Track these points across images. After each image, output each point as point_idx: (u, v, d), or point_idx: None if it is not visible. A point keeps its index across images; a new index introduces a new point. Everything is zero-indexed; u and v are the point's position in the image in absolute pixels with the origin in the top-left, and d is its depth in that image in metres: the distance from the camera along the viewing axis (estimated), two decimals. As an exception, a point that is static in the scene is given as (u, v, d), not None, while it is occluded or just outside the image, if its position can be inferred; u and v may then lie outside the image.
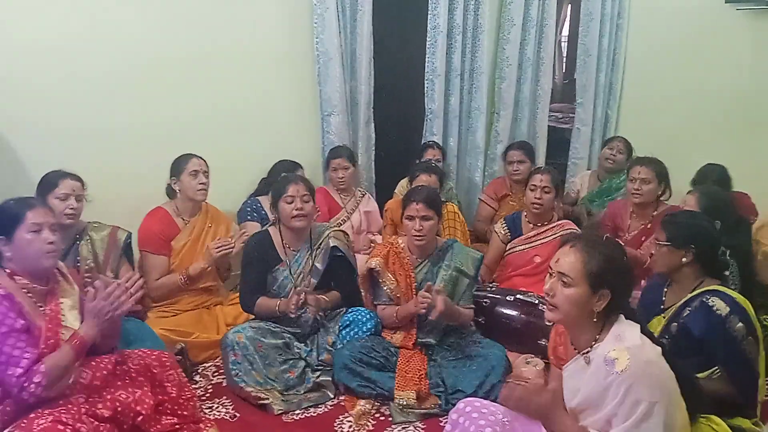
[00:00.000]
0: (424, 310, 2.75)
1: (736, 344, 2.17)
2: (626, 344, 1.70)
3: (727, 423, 2.02)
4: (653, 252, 2.50)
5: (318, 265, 2.97)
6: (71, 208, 2.75)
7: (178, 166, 3.16)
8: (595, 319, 1.80)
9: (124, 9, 3.32)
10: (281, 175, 3.18)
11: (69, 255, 2.81)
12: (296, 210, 2.86)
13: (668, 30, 4.91)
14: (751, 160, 4.17)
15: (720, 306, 2.18)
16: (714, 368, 2.23)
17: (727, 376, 2.18)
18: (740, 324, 2.16)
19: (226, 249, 3.09)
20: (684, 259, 2.33)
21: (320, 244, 3.00)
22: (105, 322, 2.11)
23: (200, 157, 3.19)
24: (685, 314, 2.27)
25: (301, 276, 2.94)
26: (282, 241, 2.98)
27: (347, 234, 3.22)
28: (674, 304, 2.35)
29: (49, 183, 2.76)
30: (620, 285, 1.79)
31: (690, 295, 2.30)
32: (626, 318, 1.82)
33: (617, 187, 4.38)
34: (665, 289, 2.46)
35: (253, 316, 3.02)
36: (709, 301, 2.20)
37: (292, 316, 2.80)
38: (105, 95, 3.33)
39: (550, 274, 1.88)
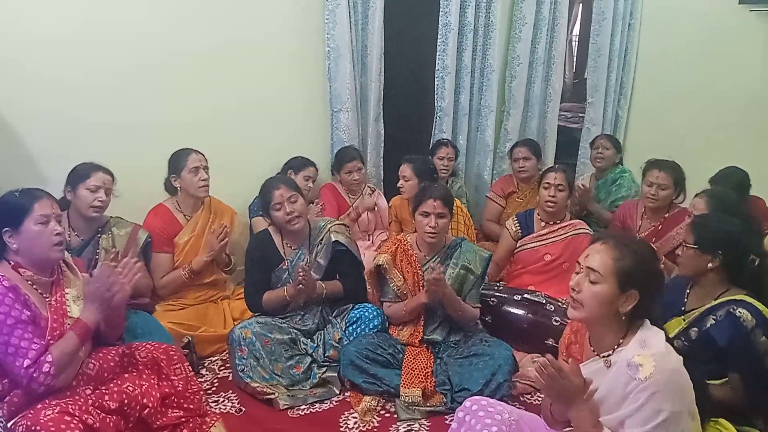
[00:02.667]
0: (431, 299, 2.76)
1: (758, 357, 2.14)
2: (651, 351, 1.67)
3: (736, 428, 1.99)
4: (679, 253, 2.45)
5: (320, 260, 2.98)
6: (100, 201, 2.77)
7: (177, 163, 3.14)
8: (619, 321, 1.76)
9: (137, 6, 3.33)
10: (263, 184, 3.04)
11: (89, 247, 2.82)
12: (287, 214, 2.86)
13: (681, 30, 4.89)
14: (762, 161, 4.13)
15: (747, 318, 2.13)
16: (726, 377, 2.20)
17: (742, 386, 2.15)
18: (764, 338, 2.13)
19: (225, 237, 3.09)
20: (710, 264, 2.27)
21: (321, 239, 3.00)
22: (105, 306, 2.12)
23: (198, 152, 3.17)
24: (709, 323, 2.22)
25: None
26: (282, 240, 2.99)
27: (348, 226, 3.22)
28: (696, 308, 2.30)
29: (81, 173, 2.78)
30: (649, 287, 1.75)
31: (714, 303, 2.25)
32: (652, 324, 1.78)
33: (613, 179, 4.39)
34: (688, 291, 2.41)
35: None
36: (737, 311, 2.15)
37: (303, 295, 2.78)
38: (117, 91, 3.33)
39: (578, 271, 1.83)
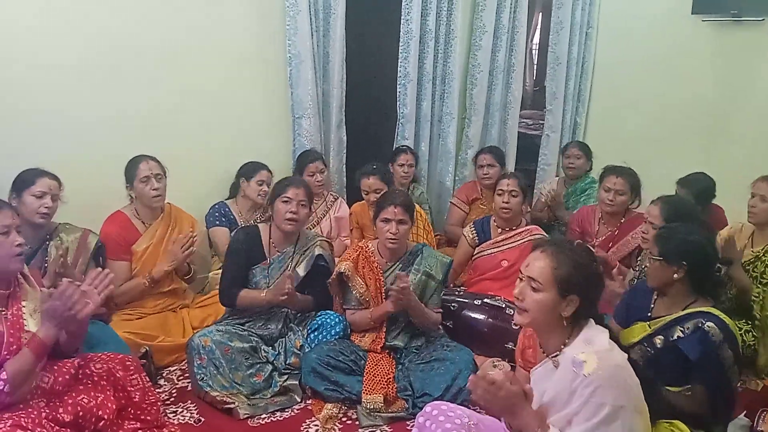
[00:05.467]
0: (396, 307, 2.77)
1: (723, 370, 2.17)
2: (595, 348, 1.71)
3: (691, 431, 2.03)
4: (647, 265, 2.47)
5: (300, 271, 2.97)
6: (46, 207, 2.71)
7: (129, 172, 3.07)
8: (562, 323, 1.80)
9: (96, 3, 3.25)
10: (284, 177, 3.10)
11: (38, 255, 2.76)
12: (290, 213, 2.87)
13: (636, 39, 5.03)
14: (716, 168, 4.24)
15: (715, 333, 2.15)
16: (687, 386, 2.23)
17: (708, 398, 2.17)
18: (730, 352, 2.16)
19: (189, 246, 3.06)
20: (675, 275, 2.28)
21: (306, 250, 3.00)
22: (63, 323, 2.07)
23: (152, 159, 3.09)
24: (676, 334, 2.24)
25: (279, 278, 2.92)
26: (270, 239, 2.97)
27: (332, 245, 3.22)
28: (662, 316, 2.32)
29: (26, 180, 2.72)
30: (588, 291, 1.79)
31: (682, 313, 2.27)
32: (596, 323, 1.82)
33: (582, 189, 4.48)
34: (654, 297, 2.43)
35: (221, 318, 3.00)
36: (705, 326, 2.17)
37: (283, 298, 2.76)
38: (73, 90, 3.24)
39: (520, 278, 1.87)
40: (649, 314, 2.40)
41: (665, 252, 2.31)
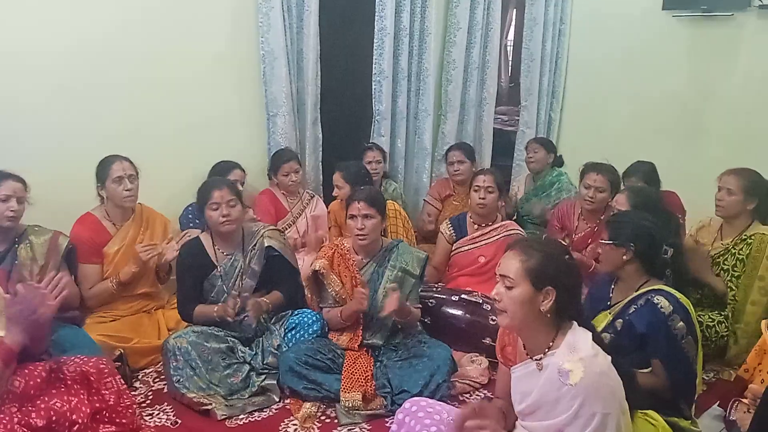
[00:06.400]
0: (364, 306, 2.77)
1: (676, 342, 2.23)
2: (580, 355, 1.71)
3: (665, 419, 2.07)
4: (599, 251, 2.55)
5: (254, 266, 2.94)
6: (12, 210, 2.66)
7: (101, 172, 3.02)
8: (545, 322, 1.80)
9: (64, 7, 3.20)
10: (204, 182, 3.07)
11: (7, 258, 2.71)
12: (222, 216, 2.83)
13: (608, 35, 5.08)
14: (689, 161, 4.33)
15: (664, 305, 2.24)
16: (650, 367, 2.29)
17: (666, 373, 2.24)
18: (681, 323, 2.23)
19: (153, 252, 3.01)
20: (625, 257, 2.39)
21: (254, 245, 2.97)
22: (28, 328, 2.04)
23: (125, 159, 3.05)
24: (630, 311, 2.33)
25: (236, 280, 2.91)
26: (214, 246, 2.94)
27: (282, 232, 3.19)
28: (620, 302, 2.41)
29: None
30: (563, 282, 1.79)
31: (635, 294, 2.36)
32: (579, 324, 1.82)
33: (551, 182, 4.51)
34: (612, 287, 2.52)
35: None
36: (654, 298, 2.26)
37: (230, 320, 2.77)
38: (45, 91, 3.20)
39: (497, 280, 1.88)
40: (609, 303, 2.48)
41: (613, 235, 2.43)
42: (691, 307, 2.30)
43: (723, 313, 3.10)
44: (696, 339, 2.29)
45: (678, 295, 2.29)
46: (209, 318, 2.83)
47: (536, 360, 1.82)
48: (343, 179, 3.70)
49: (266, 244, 2.96)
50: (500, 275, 1.84)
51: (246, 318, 2.83)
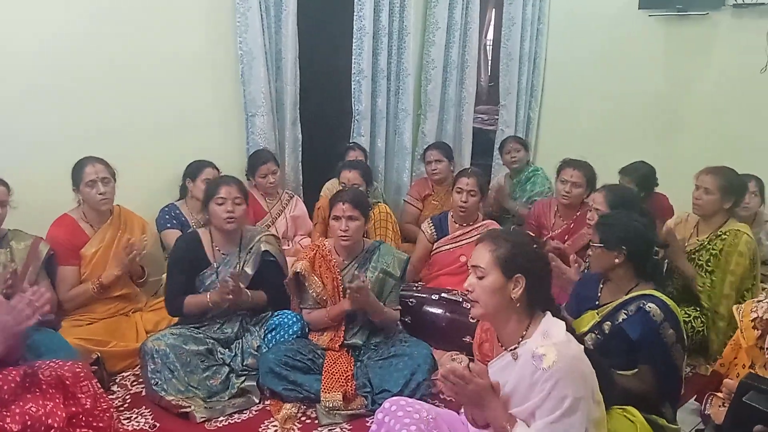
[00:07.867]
0: (359, 299, 2.76)
1: (667, 349, 2.24)
2: (553, 340, 1.74)
3: (644, 417, 2.07)
4: (590, 253, 2.55)
5: (248, 269, 2.93)
6: None
7: (76, 175, 2.98)
8: (517, 311, 1.82)
9: (40, 9, 3.16)
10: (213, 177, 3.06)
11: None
12: (227, 213, 2.81)
13: (586, 35, 5.13)
14: (666, 159, 4.36)
15: (656, 313, 2.23)
16: (636, 369, 2.29)
17: (653, 379, 2.25)
18: (671, 330, 2.24)
19: (131, 252, 2.97)
20: (616, 260, 2.37)
21: (251, 248, 2.95)
22: (10, 338, 2.02)
23: (99, 162, 3.01)
24: (621, 317, 2.31)
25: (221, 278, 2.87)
26: (212, 243, 2.92)
27: (278, 238, 3.18)
28: (609, 302, 2.39)
29: None
30: (532, 269, 1.82)
31: (625, 298, 2.35)
32: (553, 315, 1.85)
33: (527, 177, 4.56)
34: (601, 285, 2.51)
35: (175, 322, 2.94)
36: (646, 306, 2.25)
37: (227, 303, 2.73)
38: (18, 95, 3.15)
39: (469, 272, 1.90)
40: (597, 302, 2.48)
41: (605, 239, 2.41)
42: (679, 313, 2.31)
43: (698, 309, 3.13)
44: (684, 346, 2.31)
45: (668, 301, 2.28)
46: (201, 307, 2.81)
47: (511, 351, 1.84)
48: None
49: (263, 249, 2.95)
50: (472, 266, 1.87)
51: (226, 278, 2.74)
